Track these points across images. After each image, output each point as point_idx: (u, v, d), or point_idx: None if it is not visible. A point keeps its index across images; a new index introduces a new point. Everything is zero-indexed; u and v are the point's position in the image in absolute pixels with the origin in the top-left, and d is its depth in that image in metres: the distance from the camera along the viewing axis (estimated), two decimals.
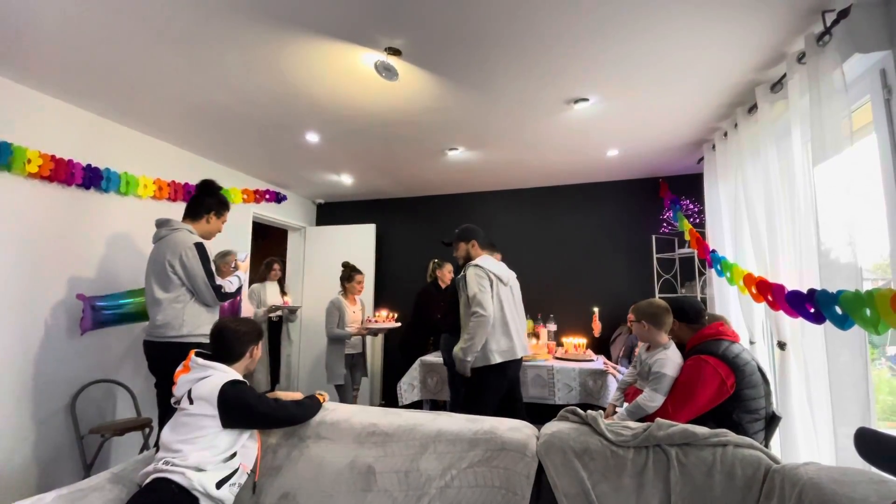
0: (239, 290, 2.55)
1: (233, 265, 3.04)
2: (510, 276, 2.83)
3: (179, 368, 1.65)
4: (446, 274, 4.06)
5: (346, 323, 3.64)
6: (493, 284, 2.64)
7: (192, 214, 2.52)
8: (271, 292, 4.18)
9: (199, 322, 2.36)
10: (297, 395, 1.92)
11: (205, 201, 2.55)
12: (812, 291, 1.76)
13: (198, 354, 1.65)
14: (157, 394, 2.40)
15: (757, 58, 2.23)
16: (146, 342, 2.37)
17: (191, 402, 1.51)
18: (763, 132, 2.40)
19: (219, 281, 2.39)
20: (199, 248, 2.35)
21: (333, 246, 5.22)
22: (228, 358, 1.66)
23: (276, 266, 4.33)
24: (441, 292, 3.95)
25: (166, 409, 2.35)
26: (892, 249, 1.73)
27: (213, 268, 2.40)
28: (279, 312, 4.13)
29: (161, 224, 2.44)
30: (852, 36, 1.73)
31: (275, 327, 4.22)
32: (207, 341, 2.38)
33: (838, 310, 1.60)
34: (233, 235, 4.09)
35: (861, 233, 1.75)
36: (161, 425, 2.38)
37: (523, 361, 2.94)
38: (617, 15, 1.91)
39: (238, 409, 1.53)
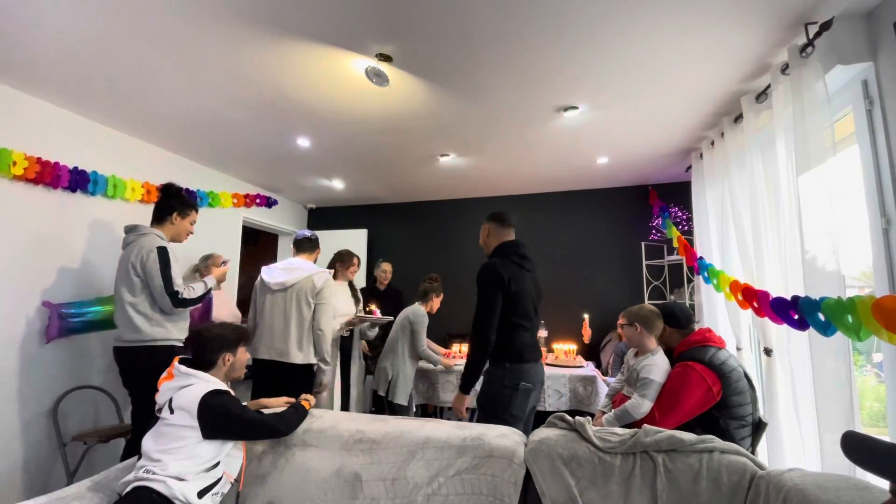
0: (203, 296, 2.48)
1: (219, 265, 2.96)
2: (286, 282, 2.66)
3: (164, 375, 1.62)
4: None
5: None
6: (254, 292, 2.77)
7: (156, 218, 2.50)
8: (343, 298, 3.24)
9: (166, 326, 2.34)
10: (283, 401, 1.90)
11: (166, 203, 2.51)
12: (796, 298, 1.78)
13: (181, 361, 1.62)
14: (131, 401, 2.40)
15: (742, 69, 2.27)
16: (115, 348, 2.36)
17: (171, 411, 1.48)
18: (748, 141, 2.44)
19: (177, 287, 2.33)
20: (161, 251, 2.31)
21: (325, 251, 5.17)
22: (203, 365, 1.62)
23: (356, 261, 3.45)
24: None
25: (142, 417, 2.33)
26: (874, 257, 1.76)
27: (172, 273, 2.33)
28: (366, 325, 3.29)
29: (129, 230, 2.43)
30: (834, 48, 1.77)
31: (345, 343, 3.26)
32: (180, 345, 2.37)
33: (821, 316, 1.62)
34: (223, 240, 4.06)
35: (844, 241, 1.78)
36: (135, 433, 2.35)
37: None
38: (605, 25, 1.93)
39: (219, 420, 1.49)
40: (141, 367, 2.29)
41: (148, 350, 2.29)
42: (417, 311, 3.30)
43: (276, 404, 1.87)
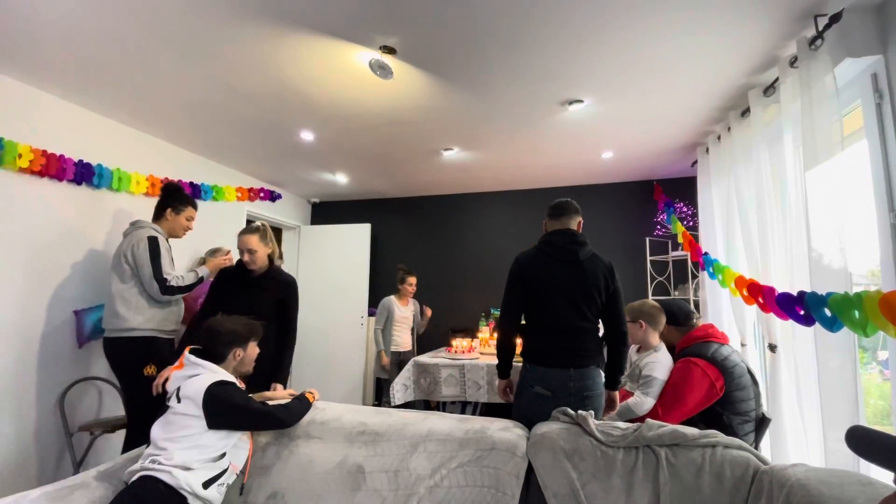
0: (194, 285, 2.53)
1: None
2: None
3: (175, 364, 1.64)
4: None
5: (393, 322, 3.91)
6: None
7: (155, 215, 2.64)
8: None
9: (148, 315, 2.39)
10: (288, 394, 1.91)
11: (162, 200, 2.65)
12: (802, 293, 1.77)
13: (192, 352, 1.63)
14: (122, 391, 2.45)
15: (750, 62, 2.25)
16: (103, 339, 2.42)
17: (178, 400, 1.50)
18: (756, 136, 2.41)
19: (165, 275, 2.40)
20: (151, 241, 2.40)
21: (328, 245, 5.21)
22: (213, 357, 1.62)
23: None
24: None
25: (130, 406, 2.37)
26: (882, 253, 1.74)
27: (162, 261, 2.41)
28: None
29: (131, 224, 2.55)
30: (844, 40, 1.75)
31: None
32: (164, 336, 2.43)
33: (827, 312, 1.61)
34: (226, 234, 4.06)
35: (851, 237, 1.76)
36: (132, 424, 2.38)
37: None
38: (611, 17, 1.91)
39: (223, 410, 1.50)
40: (119, 356, 2.35)
41: (125, 339, 2.35)
42: (381, 301, 4.01)
43: (281, 396, 1.88)
